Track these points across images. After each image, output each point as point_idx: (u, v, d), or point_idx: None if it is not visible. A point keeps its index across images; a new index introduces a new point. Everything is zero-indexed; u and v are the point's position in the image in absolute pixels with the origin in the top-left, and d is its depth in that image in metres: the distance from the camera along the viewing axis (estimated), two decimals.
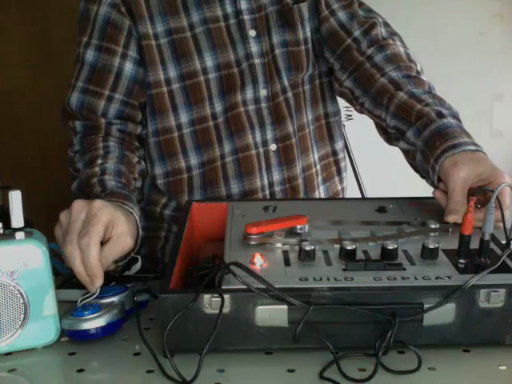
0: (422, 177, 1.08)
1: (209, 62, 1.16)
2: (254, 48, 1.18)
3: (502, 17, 3.10)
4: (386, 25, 1.23)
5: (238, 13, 1.17)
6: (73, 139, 1.17)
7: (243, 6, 1.17)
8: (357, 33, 1.21)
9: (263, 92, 1.19)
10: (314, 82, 1.27)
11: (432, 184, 1.02)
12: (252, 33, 1.18)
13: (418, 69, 1.18)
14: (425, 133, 1.02)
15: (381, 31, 1.21)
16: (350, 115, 2.43)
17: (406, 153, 1.11)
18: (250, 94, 1.18)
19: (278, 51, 1.20)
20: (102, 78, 1.16)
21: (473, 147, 0.96)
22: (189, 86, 1.16)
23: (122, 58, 1.15)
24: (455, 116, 1.05)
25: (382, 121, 1.15)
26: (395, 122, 1.11)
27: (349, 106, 1.30)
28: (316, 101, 1.29)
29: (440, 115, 1.02)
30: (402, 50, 1.20)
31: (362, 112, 1.24)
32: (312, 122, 1.28)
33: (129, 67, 1.16)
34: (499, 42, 3.10)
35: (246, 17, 1.17)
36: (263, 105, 1.20)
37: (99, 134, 1.16)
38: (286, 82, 1.22)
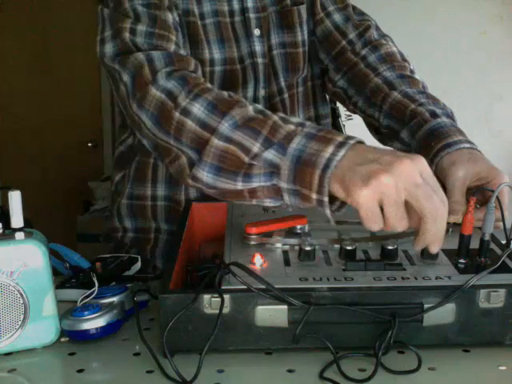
0: None
1: (217, 55, 1.14)
2: (257, 47, 1.18)
3: (503, 17, 3.10)
4: (378, 28, 1.25)
5: (244, 10, 1.16)
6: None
7: (249, 4, 1.16)
8: (352, 35, 1.22)
9: (262, 92, 1.19)
10: (306, 83, 1.28)
11: None
12: (257, 32, 1.17)
13: (412, 68, 1.18)
14: (419, 133, 1.03)
15: (373, 33, 1.22)
16: (350, 115, 2.42)
17: None
18: (250, 92, 1.18)
19: (275, 52, 1.20)
20: (166, 26, 1.03)
21: (467, 145, 0.96)
22: None
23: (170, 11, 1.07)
24: (449, 115, 1.05)
25: (375, 120, 1.15)
26: (388, 122, 1.11)
27: None
28: (307, 103, 1.29)
29: (434, 115, 1.03)
30: (395, 49, 1.21)
31: (354, 112, 1.24)
32: None
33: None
34: (499, 42, 3.10)
35: (252, 15, 1.17)
36: (261, 104, 1.19)
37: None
38: (282, 83, 1.22)
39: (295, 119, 0.84)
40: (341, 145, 0.76)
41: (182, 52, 1.02)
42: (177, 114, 0.89)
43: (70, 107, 3.61)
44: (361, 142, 0.78)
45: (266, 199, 0.84)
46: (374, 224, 0.72)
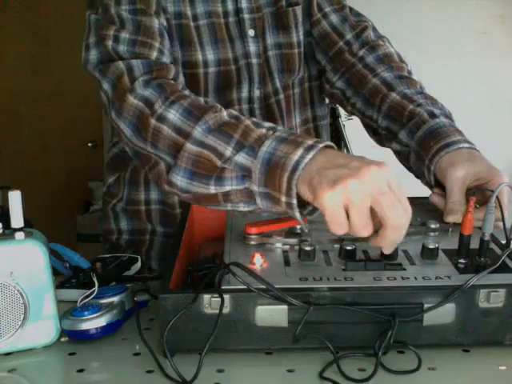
0: (417, 177, 1.08)
1: (210, 56, 1.14)
2: (252, 47, 1.18)
3: (503, 17, 3.10)
4: (374, 29, 1.25)
5: (238, 11, 1.16)
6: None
7: (243, 4, 1.16)
8: (349, 36, 1.22)
9: (257, 92, 1.19)
10: (303, 84, 1.27)
11: (427, 184, 1.02)
12: (251, 32, 1.17)
13: (409, 69, 1.18)
14: (418, 134, 1.03)
15: (370, 34, 1.22)
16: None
17: (398, 154, 1.11)
18: (245, 92, 1.18)
19: (271, 53, 1.20)
20: (150, 32, 1.03)
21: (466, 145, 0.96)
22: (187, 75, 1.12)
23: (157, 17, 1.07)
24: (447, 115, 1.05)
25: (374, 121, 1.15)
26: (387, 123, 1.11)
27: None
28: (304, 104, 1.29)
29: (432, 115, 1.03)
30: (392, 50, 1.21)
31: (352, 113, 1.24)
32: (300, 125, 1.28)
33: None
34: (499, 41, 3.10)
35: (246, 16, 1.17)
36: (256, 105, 1.19)
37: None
38: (277, 84, 1.22)
39: (268, 124, 0.85)
40: (310, 148, 0.77)
41: (165, 59, 1.02)
42: (153, 121, 0.90)
43: (70, 107, 3.61)
44: (331, 147, 0.78)
45: (240, 203, 0.84)
46: (339, 228, 0.72)
